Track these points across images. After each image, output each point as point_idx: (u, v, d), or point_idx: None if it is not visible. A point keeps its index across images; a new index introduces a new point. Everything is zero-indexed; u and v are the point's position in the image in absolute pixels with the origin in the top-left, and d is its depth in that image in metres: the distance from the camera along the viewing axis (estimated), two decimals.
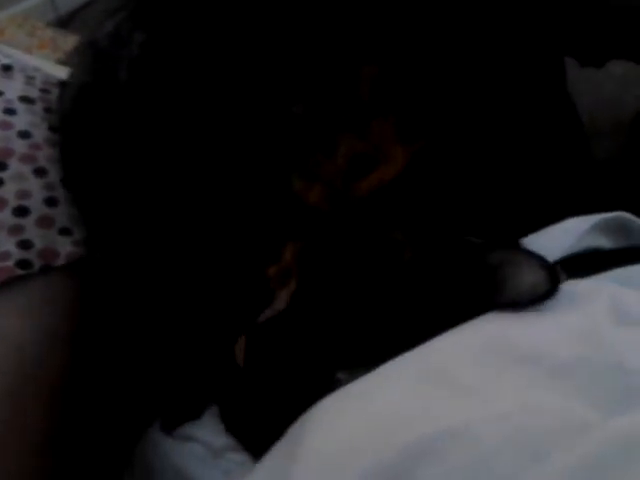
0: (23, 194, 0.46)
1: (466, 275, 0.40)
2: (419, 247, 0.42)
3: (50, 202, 0.48)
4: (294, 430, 0.34)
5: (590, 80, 0.89)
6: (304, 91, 0.43)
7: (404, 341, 0.36)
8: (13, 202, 0.46)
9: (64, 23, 2.05)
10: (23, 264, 0.44)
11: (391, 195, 0.43)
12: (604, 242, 0.40)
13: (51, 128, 0.51)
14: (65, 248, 0.46)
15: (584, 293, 0.34)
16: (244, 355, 0.46)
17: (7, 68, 0.53)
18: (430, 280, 0.42)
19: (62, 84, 0.52)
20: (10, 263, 0.44)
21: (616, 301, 0.33)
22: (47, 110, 0.52)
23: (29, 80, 0.54)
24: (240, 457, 0.47)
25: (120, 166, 0.45)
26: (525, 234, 0.42)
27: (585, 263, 0.38)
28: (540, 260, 0.36)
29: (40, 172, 0.48)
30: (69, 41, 1.85)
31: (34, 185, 0.47)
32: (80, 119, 0.46)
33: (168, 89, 0.43)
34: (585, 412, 0.28)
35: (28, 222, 0.46)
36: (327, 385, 0.39)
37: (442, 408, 0.30)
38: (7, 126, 0.49)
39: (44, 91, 0.53)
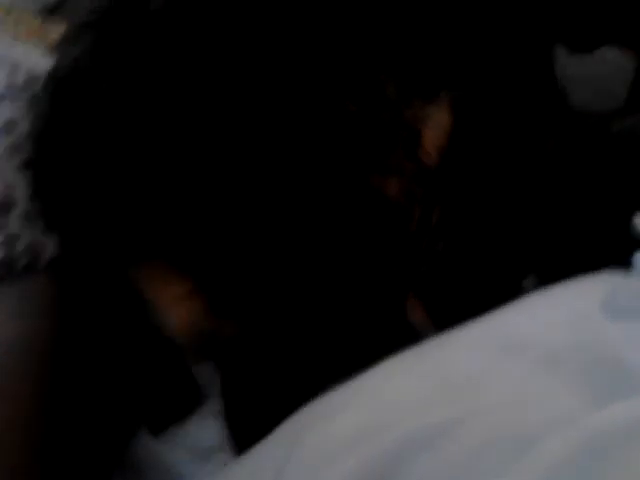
0: (7, 189, 0.46)
1: None
2: None
3: None
4: (299, 418, 0.34)
5: (582, 66, 0.88)
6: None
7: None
8: None
9: (51, 11, 2.03)
10: (6, 264, 0.44)
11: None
12: None
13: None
14: (48, 247, 0.46)
15: (580, 283, 0.34)
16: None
17: None
18: None
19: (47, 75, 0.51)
20: None
21: (612, 292, 0.33)
22: (32, 101, 0.51)
23: (13, 70, 0.53)
24: (228, 458, 0.47)
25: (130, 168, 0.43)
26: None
27: None
28: None
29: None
30: (56, 30, 1.83)
31: (19, 180, 0.47)
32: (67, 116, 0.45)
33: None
34: (572, 403, 0.28)
35: (12, 218, 0.45)
36: (514, 293, 0.38)
37: (432, 403, 0.30)
38: None
39: (29, 82, 0.53)
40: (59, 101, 0.44)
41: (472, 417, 0.28)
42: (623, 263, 0.39)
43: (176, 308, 0.44)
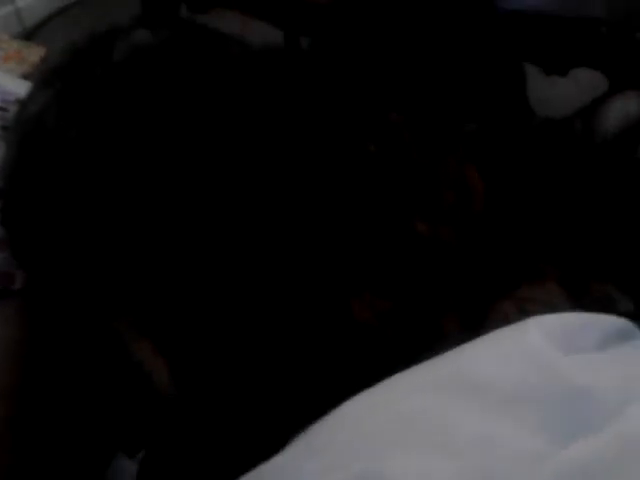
0: None
1: None
2: None
3: None
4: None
5: (557, 87, 0.90)
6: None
7: None
8: None
9: (30, 36, 2.03)
10: None
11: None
12: None
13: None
14: (21, 272, 0.46)
15: (532, 321, 0.34)
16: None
17: None
18: None
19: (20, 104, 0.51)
20: None
21: (564, 328, 0.33)
22: (4, 128, 0.51)
23: None
24: None
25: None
26: None
27: None
28: None
29: None
30: (35, 53, 1.83)
31: None
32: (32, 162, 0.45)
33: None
34: (538, 443, 0.27)
35: None
36: None
37: (392, 445, 0.29)
38: None
39: (2, 109, 0.52)
40: (25, 147, 0.44)
41: (439, 460, 0.28)
42: None
43: (153, 362, 0.44)
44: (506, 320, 0.36)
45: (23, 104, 0.45)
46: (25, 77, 1.79)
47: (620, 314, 0.36)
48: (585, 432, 0.27)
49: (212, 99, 0.41)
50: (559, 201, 0.49)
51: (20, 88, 0.60)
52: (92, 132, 0.42)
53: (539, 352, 0.31)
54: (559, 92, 0.97)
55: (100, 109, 0.42)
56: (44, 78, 0.45)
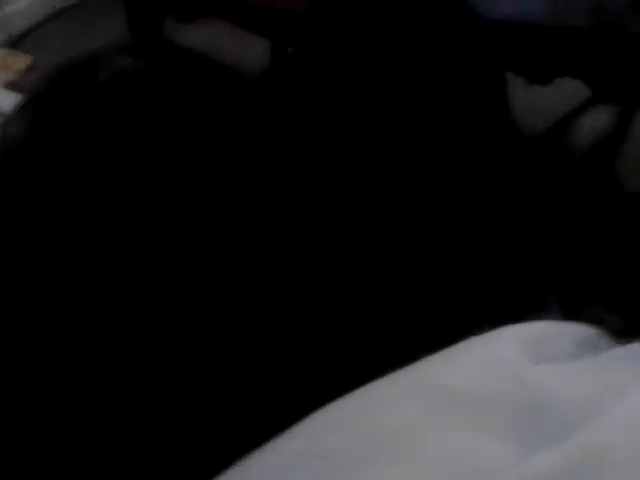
0: None
1: None
2: None
3: None
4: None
5: (541, 96, 0.90)
6: None
7: None
8: None
9: (16, 43, 2.02)
10: None
11: None
12: None
13: None
14: None
15: (503, 331, 0.34)
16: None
17: None
18: None
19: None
20: None
21: (535, 338, 0.33)
22: None
23: None
24: None
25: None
26: None
27: None
28: None
29: None
30: (21, 61, 1.83)
31: None
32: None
33: None
34: (505, 453, 0.28)
35: None
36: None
37: (360, 459, 0.29)
38: None
39: None
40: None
41: (409, 474, 0.28)
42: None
43: None
44: None
45: (1, 128, 0.45)
46: (10, 85, 1.78)
47: (610, 332, 0.36)
48: (551, 442, 0.27)
49: (193, 129, 0.41)
50: (555, 225, 0.50)
51: (5, 98, 0.60)
52: (68, 159, 0.42)
53: (509, 362, 0.31)
54: (543, 102, 0.97)
55: (78, 136, 0.42)
56: (24, 103, 0.45)
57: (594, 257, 0.53)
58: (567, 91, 0.95)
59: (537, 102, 0.93)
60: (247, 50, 1.12)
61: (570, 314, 0.46)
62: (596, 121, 0.70)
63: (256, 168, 0.42)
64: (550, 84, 0.83)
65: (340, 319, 0.42)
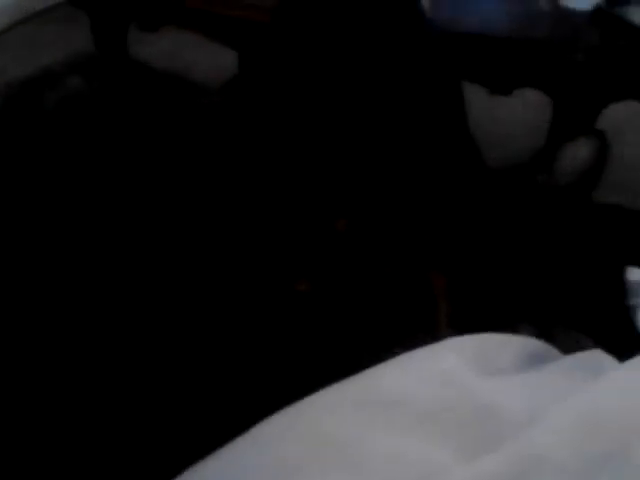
0: None
1: None
2: None
3: None
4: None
5: (504, 106, 0.91)
6: None
7: None
8: None
9: None
10: None
11: None
12: None
13: None
14: None
15: (448, 343, 0.35)
16: None
17: None
18: None
19: None
20: None
21: (479, 349, 0.34)
22: None
23: None
24: None
25: None
26: None
27: None
28: None
29: None
30: None
31: None
32: None
33: None
34: (445, 458, 0.28)
35: None
36: None
37: (308, 466, 0.30)
38: None
39: None
40: None
41: (351, 476, 0.28)
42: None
43: None
44: None
45: None
46: None
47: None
48: (493, 448, 0.28)
49: (143, 152, 0.41)
50: (526, 253, 0.51)
51: None
52: (11, 189, 0.41)
53: (452, 372, 0.32)
54: (505, 111, 0.98)
55: (25, 160, 0.42)
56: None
57: (566, 283, 0.54)
58: (528, 101, 0.96)
59: (498, 112, 0.94)
60: (212, 59, 1.12)
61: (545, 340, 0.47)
62: (577, 153, 0.71)
63: (212, 186, 0.42)
64: (510, 94, 0.84)
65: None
